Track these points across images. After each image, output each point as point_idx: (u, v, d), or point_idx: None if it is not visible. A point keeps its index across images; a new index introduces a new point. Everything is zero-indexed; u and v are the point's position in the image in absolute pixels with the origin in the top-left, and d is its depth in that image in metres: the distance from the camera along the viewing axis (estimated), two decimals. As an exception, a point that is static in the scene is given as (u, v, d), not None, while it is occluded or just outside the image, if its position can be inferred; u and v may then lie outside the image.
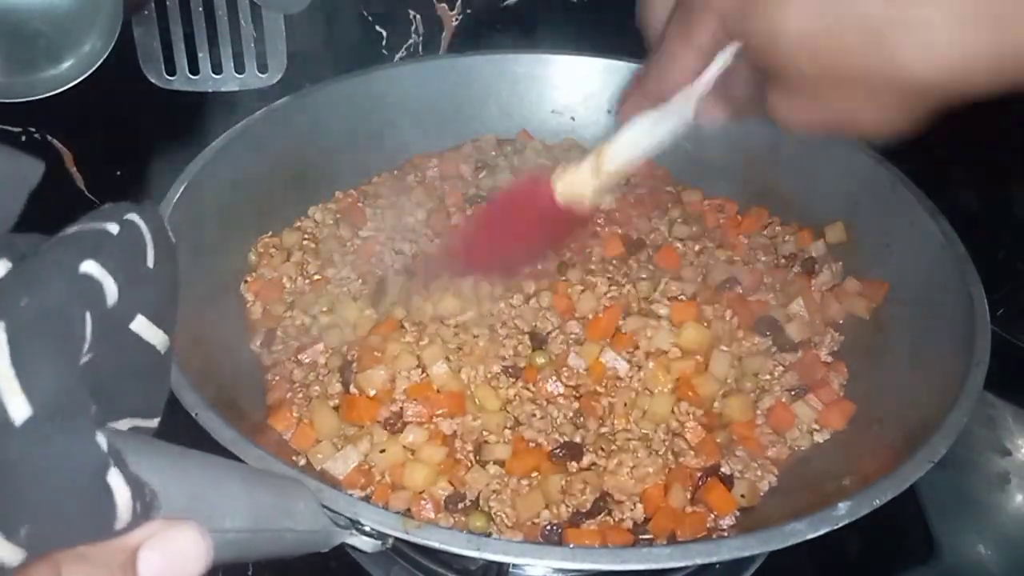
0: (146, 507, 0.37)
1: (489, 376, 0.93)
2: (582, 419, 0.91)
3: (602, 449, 0.88)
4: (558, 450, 0.87)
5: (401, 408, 0.89)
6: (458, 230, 1.00)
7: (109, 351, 0.39)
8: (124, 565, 0.34)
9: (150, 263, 0.41)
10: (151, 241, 0.41)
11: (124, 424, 0.43)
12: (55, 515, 0.34)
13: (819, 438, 0.92)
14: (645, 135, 0.71)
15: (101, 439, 0.35)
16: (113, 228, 0.40)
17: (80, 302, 0.37)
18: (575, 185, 0.74)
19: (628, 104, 0.72)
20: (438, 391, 0.91)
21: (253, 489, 0.47)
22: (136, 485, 0.36)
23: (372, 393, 0.90)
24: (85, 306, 0.37)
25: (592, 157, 0.73)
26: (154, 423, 0.45)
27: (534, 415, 0.90)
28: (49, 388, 0.34)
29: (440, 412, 0.89)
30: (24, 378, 0.33)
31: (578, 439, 0.89)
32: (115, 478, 0.35)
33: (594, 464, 0.87)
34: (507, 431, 0.89)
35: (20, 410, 0.33)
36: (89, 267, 0.37)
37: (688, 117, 0.69)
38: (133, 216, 0.41)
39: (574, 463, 0.87)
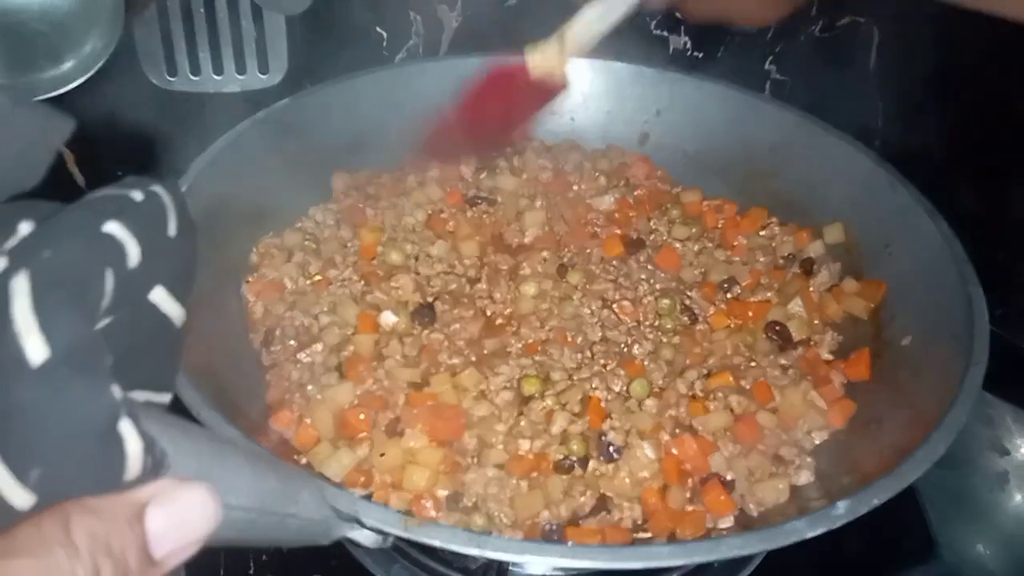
0: (156, 463, 0.37)
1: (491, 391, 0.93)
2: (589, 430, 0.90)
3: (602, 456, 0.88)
4: (565, 460, 0.87)
5: (399, 416, 0.89)
6: (440, 113, 1.03)
7: (127, 319, 0.39)
8: (131, 519, 0.35)
9: (172, 232, 0.42)
10: (174, 211, 0.42)
11: (138, 396, 0.43)
12: (66, 459, 0.34)
13: (819, 437, 0.93)
14: (600, 16, 0.88)
15: (116, 389, 0.35)
16: (137, 196, 0.40)
17: (102, 259, 0.37)
18: (545, 60, 0.90)
19: None
20: (437, 403, 0.91)
21: (259, 471, 0.47)
22: (148, 440, 0.37)
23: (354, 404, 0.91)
24: (106, 263, 0.37)
25: (556, 37, 0.89)
26: (166, 399, 0.46)
27: (539, 428, 0.90)
28: (67, 333, 0.34)
29: (438, 427, 0.88)
30: (44, 322, 0.34)
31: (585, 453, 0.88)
32: (127, 428, 0.36)
33: (595, 470, 0.87)
34: (508, 440, 0.89)
35: (38, 352, 0.33)
36: (112, 227, 0.38)
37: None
38: (156, 187, 0.42)
39: (580, 470, 0.87)
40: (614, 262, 1.11)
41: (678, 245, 1.13)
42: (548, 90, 0.93)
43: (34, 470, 0.33)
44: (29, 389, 0.33)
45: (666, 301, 1.02)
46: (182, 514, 0.36)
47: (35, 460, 0.34)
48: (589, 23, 0.88)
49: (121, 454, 0.35)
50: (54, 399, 0.34)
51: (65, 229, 0.37)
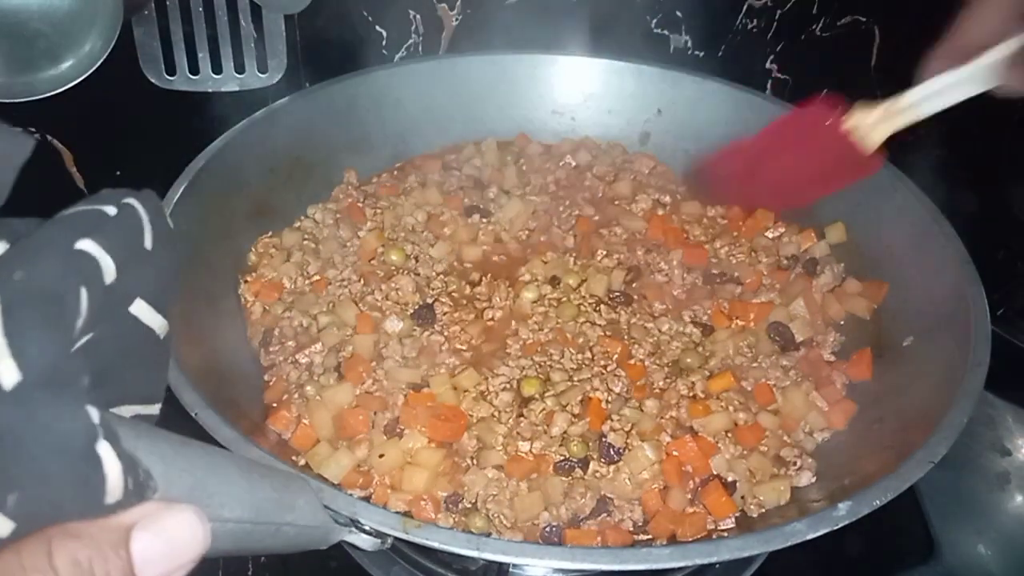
0: (140, 486, 0.36)
1: (491, 392, 0.93)
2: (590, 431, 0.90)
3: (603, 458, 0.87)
4: (565, 462, 0.86)
5: (398, 417, 0.89)
6: (738, 146, 0.96)
7: (109, 334, 0.39)
8: (116, 544, 0.34)
9: (148, 245, 0.41)
10: (148, 224, 0.41)
11: (126, 411, 0.43)
12: (43, 484, 0.33)
13: (820, 438, 0.92)
14: (943, 92, 0.76)
15: (92, 411, 0.35)
16: (111, 210, 0.40)
17: (75, 277, 0.37)
18: (866, 120, 0.79)
19: (933, 62, 0.75)
20: (436, 403, 0.90)
21: (254, 481, 0.47)
22: (128, 461, 0.36)
23: (353, 405, 0.91)
24: (80, 282, 0.37)
25: (886, 104, 0.79)
26: (155, 410, 0.45)
27: (539, 430, 0.90)
28: (40, 356, 0.34)
29: (437, 428, 0.88)
30: (15, 345, 0.33)
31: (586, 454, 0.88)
32: (105, 450, 0.35)
33: (596, 472, 0.87)
34: (507, 441, 0.88)
35: (10, 375, 0.33)
36: (85, 245, 0.37)
37: (989, 81, 0.72)
38: (131, 200, 0.41)
39: (580, 471, 0.87)
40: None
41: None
42: (857, 162, 0.82)
43: (11, 496, 0.33)
44: (2, 413, 0.33)
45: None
46: (170, 537, 0.35)
47: (11, 485, 0.33)
48: (928, 97, 0.78)
49: (100, 476, 0.34)
50: (28, 422, 0.33)
51: (37, 249, 0.36)
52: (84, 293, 0.36)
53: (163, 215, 0.43)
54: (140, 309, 0.41)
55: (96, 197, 0.40)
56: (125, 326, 0.41)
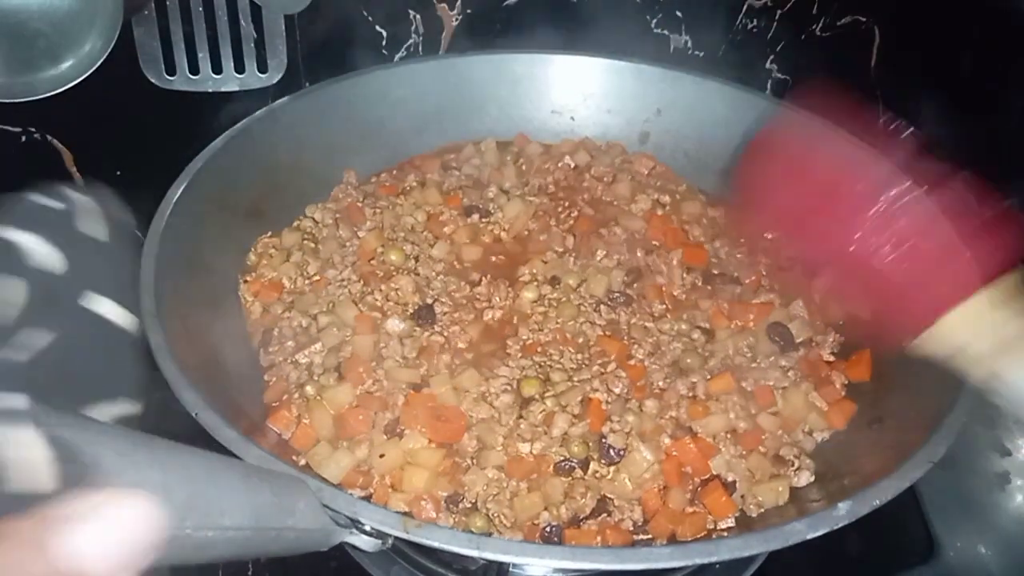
0: (77, 477, 0.34)
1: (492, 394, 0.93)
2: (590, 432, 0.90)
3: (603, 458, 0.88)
4: (564, 462, 0.86)
5: (398, 417, 0.89)
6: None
7: (73, 331, 0.38)
8: (44, 540, 0.31)
9: (104, 237, 0.41)
10: (103, 219, 0.41)
11: (104, 410, 0.42)
12: None
13: (819, 438, 0.92)
14: None
15: (16, 397, 0.33)
16: (54, 203, 0.40)
17: (4, 266, 0.36)
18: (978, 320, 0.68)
19: None
20: (436, 404, 0.90)
21: (254, 487, 0.47)
22: (64, 450, 0.34)
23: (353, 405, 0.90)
24: (8, 270, 0.36)
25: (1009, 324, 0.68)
26: (137, 408, 0.44)
27: (539, 431, 0.90)
28: None
29: (437, 428, 0.88)
30: None
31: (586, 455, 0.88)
32: (29, 436, 0.33)
33: (596, 472, 0.87)
34: (508, 442, 0.88)
35: None
36: (16, 235, 0.37)
37: None
38: (81, 195, 0.41)
39: (580, 471, 0.87)
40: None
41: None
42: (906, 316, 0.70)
43: None
44: None
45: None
46: (114, 528, 0.32)
47: None
48: None
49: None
50: None
51: None
52: (20, 283, 0.36)
53: (121, 211, 0.43)
54: (102, 305, 0.41)
55: (44, 192, 0.40)
56: (89, 323, 0.40)
